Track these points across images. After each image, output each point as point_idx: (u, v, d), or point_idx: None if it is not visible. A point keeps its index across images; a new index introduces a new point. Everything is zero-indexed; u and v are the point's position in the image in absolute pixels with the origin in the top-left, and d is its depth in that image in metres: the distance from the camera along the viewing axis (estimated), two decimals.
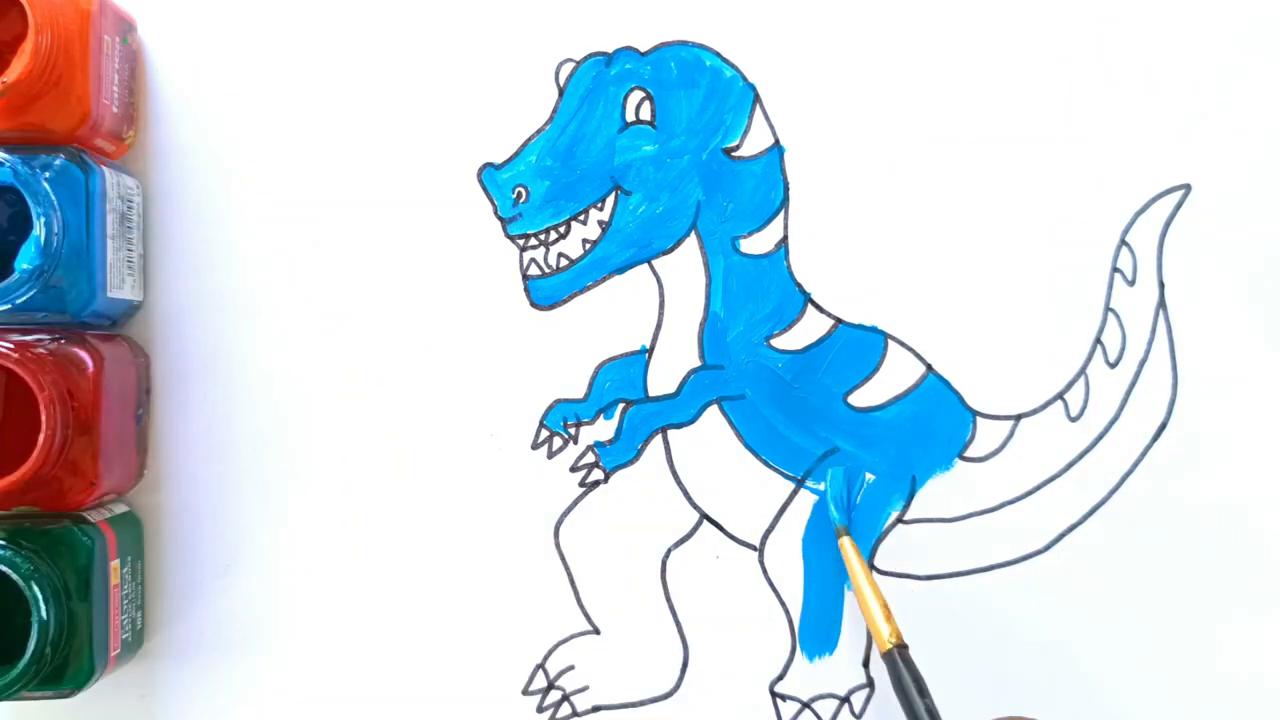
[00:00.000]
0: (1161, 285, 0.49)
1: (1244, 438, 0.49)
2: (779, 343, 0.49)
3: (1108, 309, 0.49)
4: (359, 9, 0.49)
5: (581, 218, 0.50)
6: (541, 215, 0.49)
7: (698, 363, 0.49)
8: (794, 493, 0.49)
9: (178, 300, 0.49)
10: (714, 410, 0.49)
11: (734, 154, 0.49)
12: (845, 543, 0.47)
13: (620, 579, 0.49)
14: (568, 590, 0.49)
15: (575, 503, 0.49)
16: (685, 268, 0.49)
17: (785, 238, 0.49)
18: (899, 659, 0.44)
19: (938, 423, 0.49)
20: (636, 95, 0.49)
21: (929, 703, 0.43)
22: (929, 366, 0.49)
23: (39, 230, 0.43)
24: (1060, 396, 0.49)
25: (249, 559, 0.49)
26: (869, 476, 0.49)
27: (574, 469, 0.49)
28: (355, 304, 0.49)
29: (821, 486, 0.49)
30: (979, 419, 0.49)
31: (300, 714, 0.49)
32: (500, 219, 0.50)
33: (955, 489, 0.49)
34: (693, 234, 0.49)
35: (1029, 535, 0.49)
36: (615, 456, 0.49)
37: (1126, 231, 0.49)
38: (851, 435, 0.49)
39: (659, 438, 0.49)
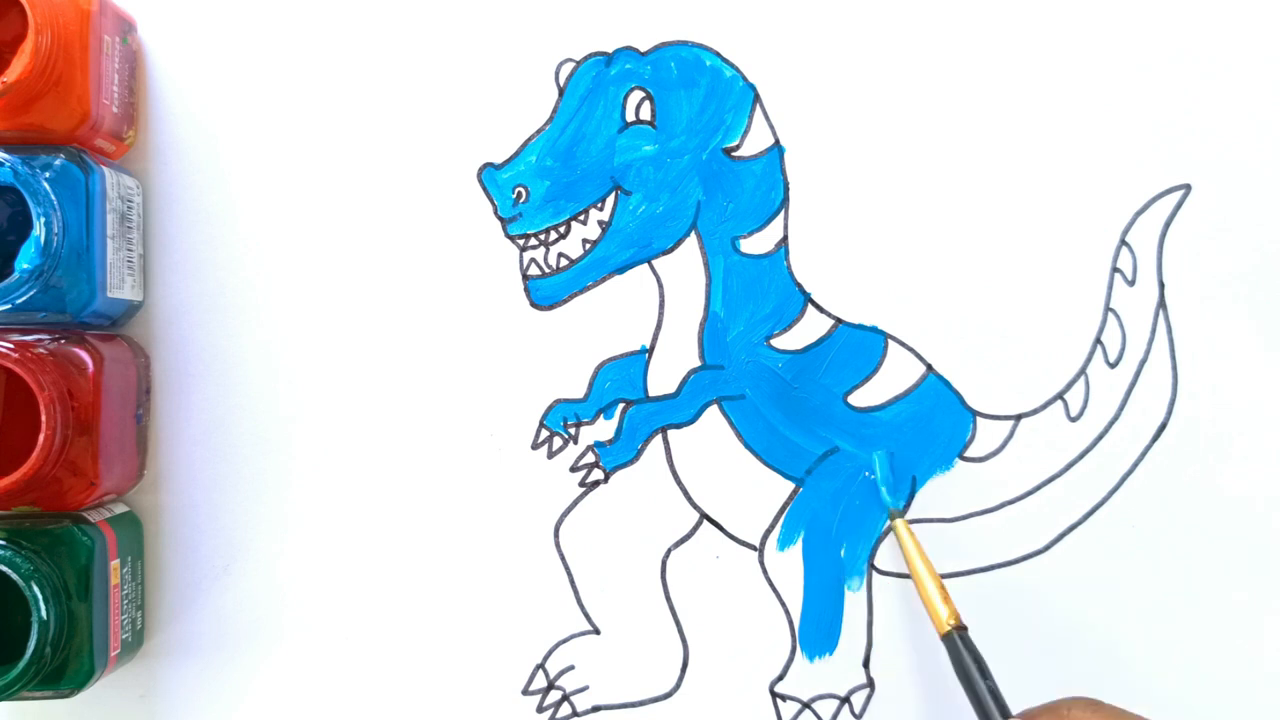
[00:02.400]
0: (1161, 285, 0.49)
1: (1244, 438, 0.49)
2: (779, 343, 0.49)
3: (1108, 309, 0.49)
4: (359, 9, 0.49)
5: (581, 218, 0.50)
6: (541, 215, 0.49)
7: (698, 363, 0.49)
8: (794, 493, 0.49)
9: (178, 300, 0.49)
10: (714, 410, 0.49)
11: (734, 154, 0.49)
12: (899, 524, 0.47)
13: (620, 579, 0.49)
14: (568, 590, 0.49)
15: (575, 503, 0.49)
16: (685, 268, 0.49)
17: (785, 238, 0.49)
18: (959, 640, 0.43)
19: (938, 423, 0.49)
20: (636, 95, 0.49)
21: (991, 684, 0.42)
22: (929, 366, 0.49)
23: (39, 230, 0.43)
24: (1060, 396, 0.49)
25: (249, 559, 0.49)
26: (870, 473, 0.49)
27: (574, 469, 0.49)
28: (355, 304, 0.49)
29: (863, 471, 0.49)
30: (979, 419, 0.49)
31: (300, 714, 0.49)
32: (500, 219, 0.50)
33: (955, 489, 0.49)
34: (693, 234, 0.49)
35: (1029, 535, 0.49)
36: (615, 456, 0.49)
37: (1126, 231, 0.49)
38: (851, 435, 0.49)
39: (659, 438, 0.49)
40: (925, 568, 0.45)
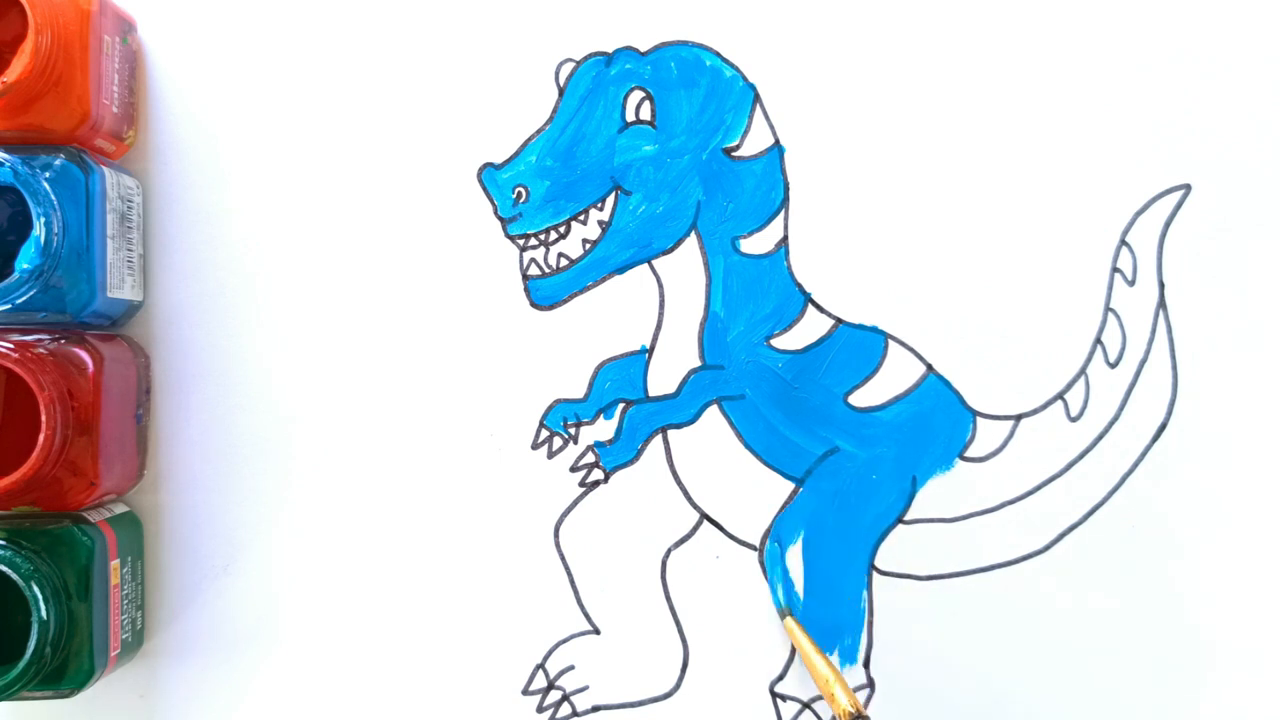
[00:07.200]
0: (1161, 285, 0.49)
1: (1244, 438, 0.49)
2: (779, 343, 0.49)
3: (1108, 309, 0.49)
4: (359, 9, 0.49)
5: (581, 218, 0.50)
6: (541, 215, 0.49)
7: (698, 363, 0.49)
8: (794, 493, 0.49)
9: (178, 300, 0.49)
10: (714, 410, 0.49)
11: (734, 154, 0.49)
12: (789, 623, 0.48)
13: (620, 579, 0.49)
14: (568, 590, 0.49)
15: (575, 503, 0.49)
16: (685, 268, 0.49)
17: (785, 238, 0.49)
18: None
19: (938, 423, 0.49)
20: (636, 95, 0.49)
21: None
22: (929, 366, 0.49)
23: (39, 230, 0.43)
24: (1060, 396, 0.49)
25: (248, 559, 0.49)
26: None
27: (574, 469, 0.49)
28: (355, 304, 0.49)
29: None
30: (979, 419, 0.49)
31: (300, 714, 0.49)
32: (500, 219, 0.50)
33: (955, 489, 0.49)
34: (693, 234, 0.49)
35: (1029, 535, 0.49)
36: (615, 456, 0.49)
37: (1126, 231, 0.49)
38: (851, 435, 0.49)
39: (659, 438, 0.49)
40: (821, 659, 0.45)
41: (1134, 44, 0.49)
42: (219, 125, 0.49)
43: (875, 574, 0.49)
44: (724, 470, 0.49)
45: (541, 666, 0.49)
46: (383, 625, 0.49)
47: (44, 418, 0.42)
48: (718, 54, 0.49)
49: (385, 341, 0.49)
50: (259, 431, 0.49)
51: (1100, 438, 0.49)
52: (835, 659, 0.49)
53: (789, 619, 0.48)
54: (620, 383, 0.49)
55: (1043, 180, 0.49)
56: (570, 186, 0.49)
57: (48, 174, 0.43)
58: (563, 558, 0.49)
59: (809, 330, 0.49)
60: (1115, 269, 0.49)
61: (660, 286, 0.50)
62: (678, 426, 0.49)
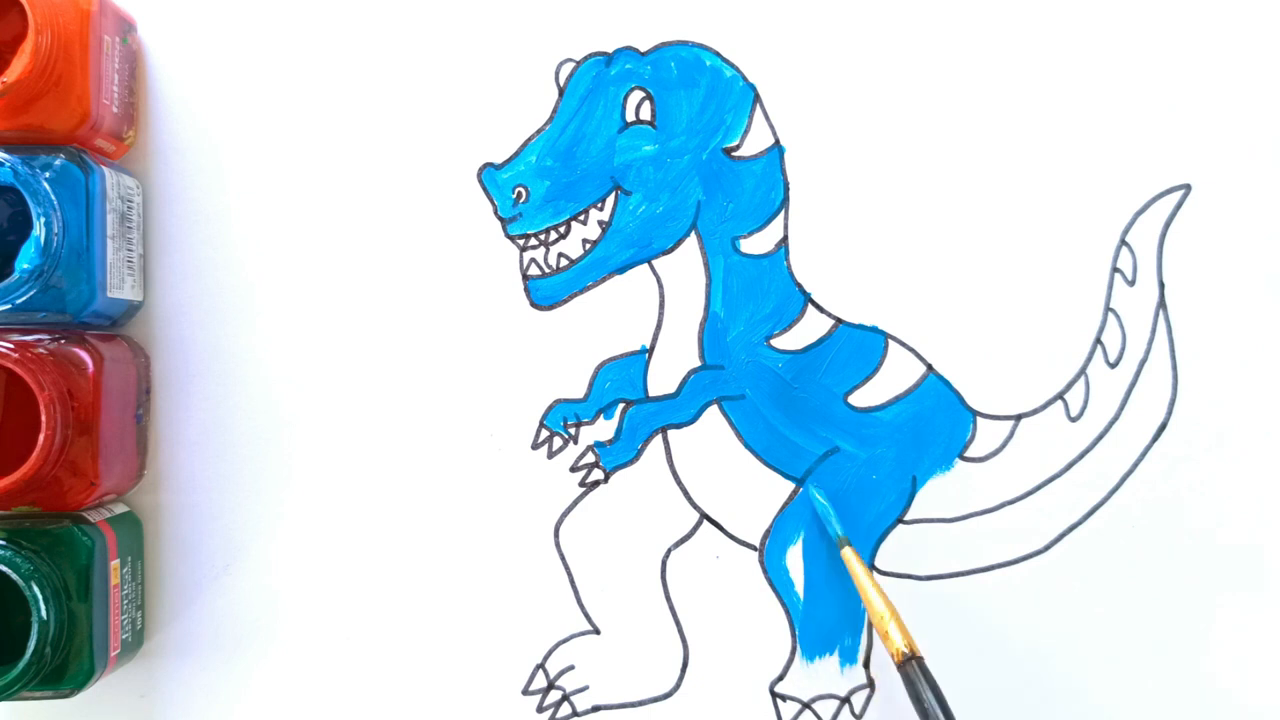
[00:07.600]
0: (1161, 285, 0.49)
1: (1244, 438, 0.49)
2: (779, 343, 0.49)
3: (1108, 309, 0.49)
4: (359, 9, 0.49)
5: (581, 218, 0.50)
6: (541, 215, 0.49)
7: (698, 363, 0.49)
8: (794, 493, 0.49)
9: (178, 300, 0.49)
10: (714, 410, 0.49)
11: (734, 154, 0.49)
12: (848, 553, 0.47)
13: (620, 579, 0.49)
14: (568, 590, 0.49)
15: (575, 503, 0.49)
16: (685, 268, 0.49)
17: (785, 238, 0.49)
18: (917, 671, 0.43)
19: (938, 423, 0.49)
20: (636, 95, 0.49)
21: (949, 715, 0.42)
22: (929, 366, 0.49)
23: (39, 230, 0.43)
24: (1060, 396, 0.49)
25: (248, 559, 0.49)
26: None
27: (574, 469, 0.49)
28: (355, 304, 0.49)
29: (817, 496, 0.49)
30: (979, 419, 0.49)
31: (300, 714, 0.49)
32: (500, 219, 0.50)
33: (955, 489, 0.49)
34: (693, 234, 0.49)
35: (1029, 535, 0.49)
36: (615, 456, 0.49)
37: (1126, 231, 0.49)
38: (851, 435, 0.49)
39: (659, 438, 0.49)
40: (878, 595, 0.45)
41: (1135, 44, 0.49)
42: (219, 125, 0.49)
43: (875, 574, 0.49)
44: (724, 470, 0.49)
45: (541, 666, 0.49)
46: (382, 625, 0.49)
47: (44, 418, 0.42)
48: (718, 54, 0.49)
49: (385, 342, 0.49)
50: (259, 431, 0.49)
51: (1100, 438, 0.49)
52: (835, 659, 0.49)
53: (848, 549, 0.47)
54: (620, 383, 0.49)
55: (1043, 180, 0.49)
56: (570, 186, 0.49)
57: (48, 174, 0.43)
58: (563, 558, 0.49)
59: (809, 330, 0.49)
60: (1115, 269, 0.49)
61: (660, 286, 0.50)
62: (678, 426, 0.49)
